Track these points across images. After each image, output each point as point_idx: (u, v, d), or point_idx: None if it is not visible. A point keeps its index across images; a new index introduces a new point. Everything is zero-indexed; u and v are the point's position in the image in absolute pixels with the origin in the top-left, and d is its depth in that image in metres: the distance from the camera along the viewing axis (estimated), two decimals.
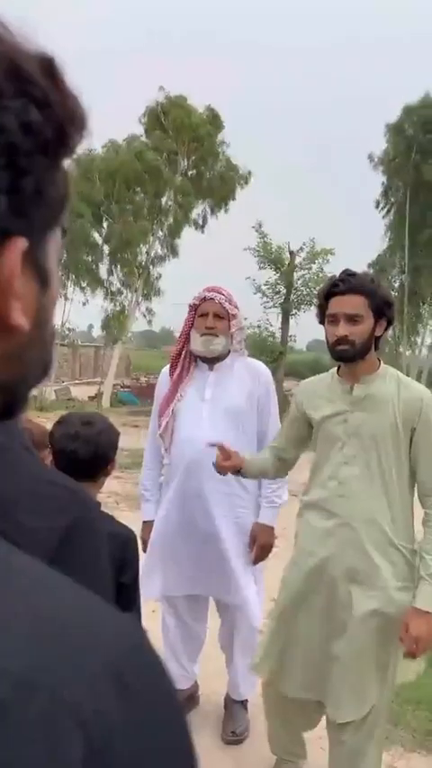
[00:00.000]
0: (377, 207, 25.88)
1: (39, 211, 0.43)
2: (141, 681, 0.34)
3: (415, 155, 23.58)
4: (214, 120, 22.73)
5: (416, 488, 2.14)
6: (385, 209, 25.77)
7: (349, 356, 2.09)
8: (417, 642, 2.02)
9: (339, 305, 2.07)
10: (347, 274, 2.12)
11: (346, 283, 2.07)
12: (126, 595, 1.68)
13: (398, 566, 2.09)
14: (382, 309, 2.09)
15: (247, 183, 23.40)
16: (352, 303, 2.06)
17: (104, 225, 21.68)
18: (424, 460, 2.07)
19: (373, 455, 2.08)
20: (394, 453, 2.07)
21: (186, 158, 22.48)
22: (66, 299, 21.10)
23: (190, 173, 22.75)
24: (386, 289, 2.18)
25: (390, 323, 2.15)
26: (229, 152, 23.27)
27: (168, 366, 2.84)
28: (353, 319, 2.05)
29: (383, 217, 25.77)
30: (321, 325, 2.21)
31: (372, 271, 24.98)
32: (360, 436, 2.09)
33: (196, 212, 23.27)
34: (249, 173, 23.42)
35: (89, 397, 20.87)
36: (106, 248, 21.79)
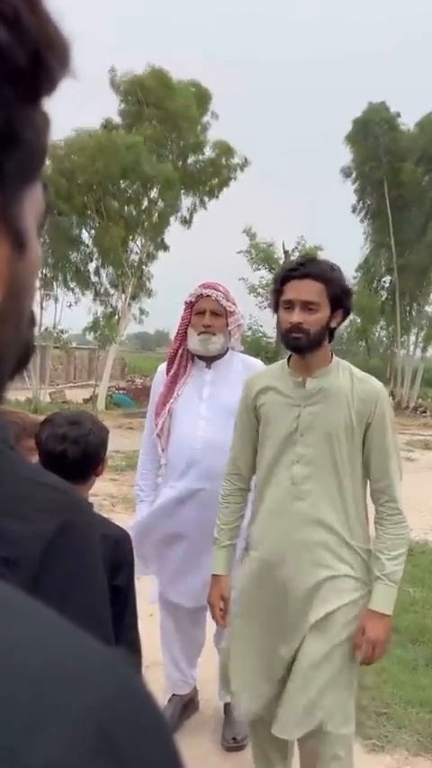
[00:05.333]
0: (353, 211, 26.04)
1: (11, 158, 0.35)
2: (129, 732, 0.26)
3: (385, 156, 23.71)
4: (201, 98, 20.96)
5: (368, 486, 2.05)
6: (362, 214, 25.93)
7: (302, 346, 1.97)
8: (374, 646, 1.92)
9: (295, 290, 1.95)
10: (306, 259, 2.03)
11: (304, 268, 1.96)
12: (121, 598, 1.63)
13: (355, 568, 1.98)
14: (340, 299, 1.98)
15: (242, 170, 21.63)
16: (309, 289, 1.94)
17: (91, 224, 20.43)
18: (376, 457, 1.98)
19: (326, 452, 1.96)
20: (348, 450, 1.96)
21: (171, 143, 20.92)
22: (56, 300, 20.72)
23: (175, 158, 21.06)
24: (344, 278, 2.06)
25: (347, 314, 2.03)
26: (220, 136, 21.68)
27: (164, 364, 2.79)
28: (308, 307, 1.94)
29: (361, 221, 25.94)
30: (275, 314, 2.09)
31: (359, 272, 25.07)
32: (313, 433, 1.97)
33: (184, 206, 21.70)
34: (245, 159, 21.61)
35: (84, 399, 20.80)
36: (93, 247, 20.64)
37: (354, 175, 25.38)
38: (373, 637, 1.91)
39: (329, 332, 2.02)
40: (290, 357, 2.09)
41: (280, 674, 2.02)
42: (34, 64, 0.34)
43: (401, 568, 1.97)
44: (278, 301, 2.03)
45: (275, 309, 2.07)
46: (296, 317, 1.94)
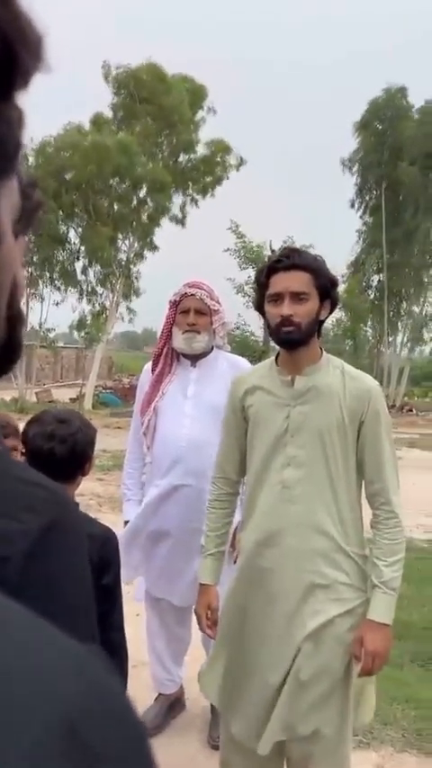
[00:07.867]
0: (352, 206, 25.98)
1: None
2: (100, 730, 0.26)
3: (386, 150, 23.64)
4: (196, 95, 20.76)
5: (363, 488, 1.96)
6: (361, 209, 25.90)
7: (295, 340, 1.86)
8: (373, 658, 1.82)
9: (283, 282, 1.85)
10: (290, 250, 1.93)
11: (290, 259, 1.86)
12: (108, 598, 1.63)
13: (350, 575, 1.88)
14: (328, 289, 1.89)
15: (238, 169, 21.42)
16: (297, 280, 1.84)
17: (78, 222, 20.20)
18: (371, 457, 1.89)
19: (318, 454, 1.86)
20: (341, 450, 1.87)
21: (163, 139, 20.67)
22: (41, 299, 20.55)
23: (167, 155, 20.85)
24: (329, 269, 1.97)
25: (334, 305, 1.94)
26: (217, 135, 21.41)
27: (150, 363, 2.80)
28: (298, 297, 1.84)
29: (360, 217, 25.88)
30: (259, 313, 1.97)
31: (350, 271, 24.99)
32: (304, 434, 1.88)
33: (177, 204, 21.41)
34: (241, 158, 21.36)
35: (70, 398, 20.71)
36: (80, 245, 20.39)
37: (356, 168, 25.20)
38: (371, 648, 1.82)
39: (318, 325, 1.94)
40: (278, 355, 2.00)
41: (270, 700, 1.88)
42: (6, 58, 0.34)
43: (400, 575, 1.88)
44: (263, 297, 1.93)
45: (260, 307, 1.96)
46: (286, 308, 1.84)
